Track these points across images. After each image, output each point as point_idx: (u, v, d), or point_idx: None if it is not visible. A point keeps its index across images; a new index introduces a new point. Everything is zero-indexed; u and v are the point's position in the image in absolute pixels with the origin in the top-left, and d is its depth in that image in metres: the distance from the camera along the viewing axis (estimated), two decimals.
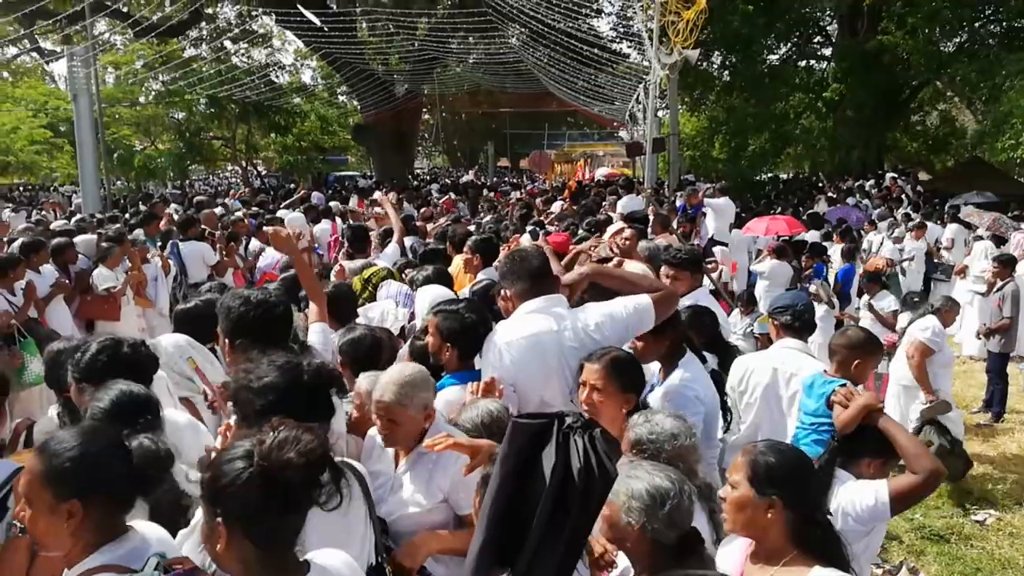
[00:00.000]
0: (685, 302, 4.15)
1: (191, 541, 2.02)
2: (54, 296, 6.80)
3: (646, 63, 16.49)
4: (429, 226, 10.07)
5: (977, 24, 22.86)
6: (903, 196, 18.12)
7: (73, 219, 12.25)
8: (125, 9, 23.70)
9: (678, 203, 12.49)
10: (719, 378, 3.31)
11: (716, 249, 9.83)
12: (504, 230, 8.59)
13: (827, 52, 27.59)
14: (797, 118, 25.83)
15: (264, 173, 37.60)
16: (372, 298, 5.16)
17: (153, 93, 29.32)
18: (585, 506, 1.63)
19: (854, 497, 2.66)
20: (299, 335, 3.28)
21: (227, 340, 2.87)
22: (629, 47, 22.91)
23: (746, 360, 4.01)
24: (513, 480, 1.69)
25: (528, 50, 23.00)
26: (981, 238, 11.86)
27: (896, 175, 22.40)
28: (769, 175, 28.70)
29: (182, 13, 23.84)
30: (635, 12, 17.61)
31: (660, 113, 20.50)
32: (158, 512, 2.07)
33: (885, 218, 14.43)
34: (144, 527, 1.89)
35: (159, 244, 9.07)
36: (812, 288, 8.19)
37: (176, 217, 11.17)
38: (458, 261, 5.86)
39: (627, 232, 5.87)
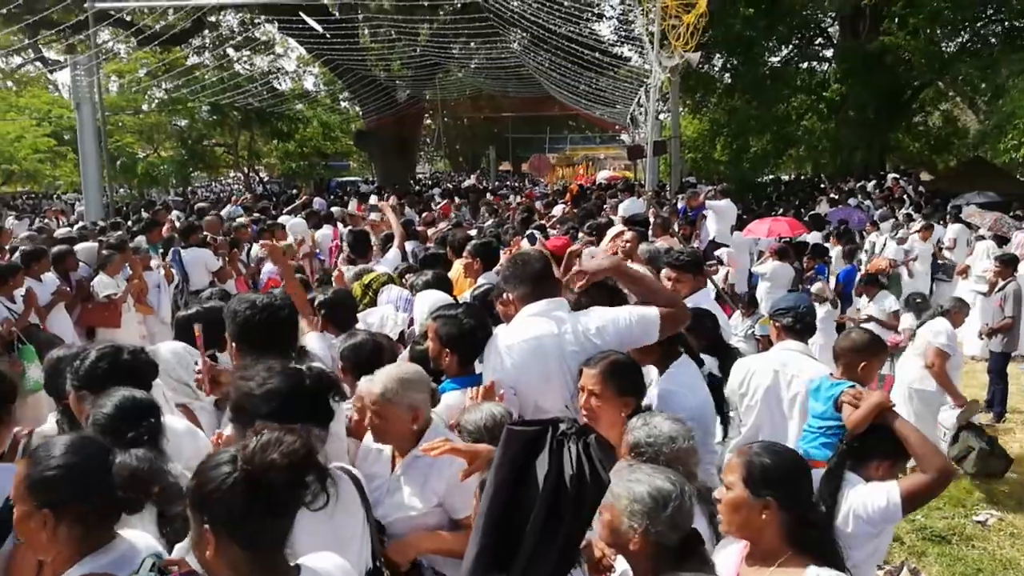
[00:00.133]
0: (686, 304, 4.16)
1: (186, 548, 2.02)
2: (55, 304, 6.81)
3: (647, 66, 16.50)
4: (430, 231, 10.10)
5: (979, 24, 22.86)
6: (905, 197, 18.09)
7: (75, 226, 12.29)
8: (129, 18, 23.78)
9: (679, 205, 12.50)
10: (716, 382, 3.29)
11: (723, 251, 9.84)
12: (505, 234, 8.60)
13: (828, 54, 27.60)
14: (799, 120, 25.84)
15: (266, 179, 37.69)
16: (373, 303, 5.17)
17: (156, 101, 29.39)
18: (578, 512, 1.64)
19: (866, 499, 2.65)
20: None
21: (234, 344, 2.92)
22: (630, 51, 22.97)
23: (747, 362, 4.00)
24: (508, 487, 1.70)
25: (529, 55, 23.04)
26: (983, 238, 11.84)
27: (898, 176, 22.37)
28: (771, 177, 28.68)
29: (185, 22, 23.95)
30: (636, 16, 17.62)
31: (661, 116, 20.55)
32: (166, 520, 2.08)
33: (887, 219, 14.40)
34: (133, 535, 1.90)
35: (161, 251, 9.10)
36: (814, 288, 8.18)
37: (178, 224, 11.20)
38: (458, 266, 5.86)
39: (628, 235, 5.89)
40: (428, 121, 41.22)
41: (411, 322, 4.72)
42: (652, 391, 3.16)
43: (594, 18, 23.22)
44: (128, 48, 29.17)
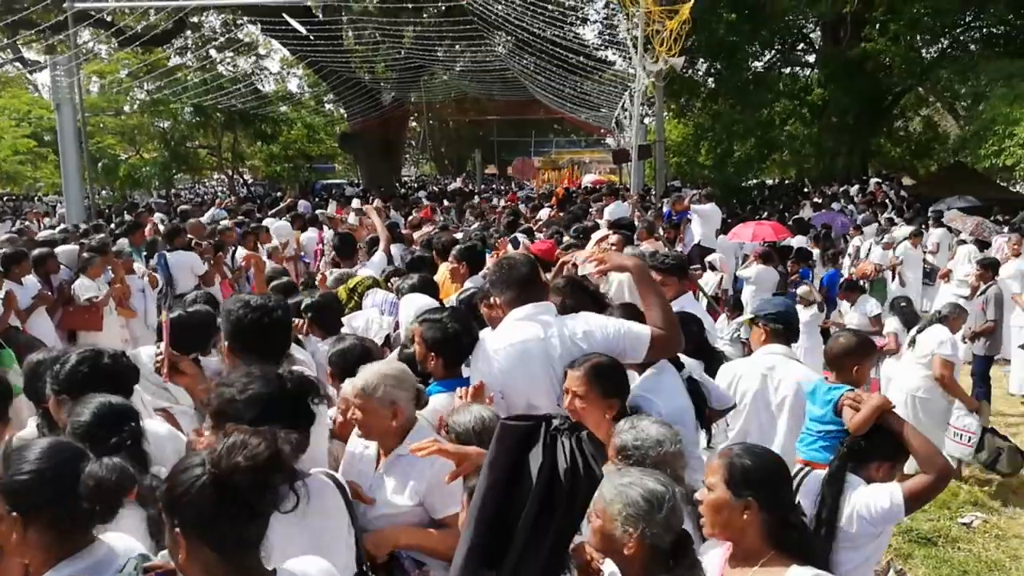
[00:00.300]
0: None
1: None
2: (35, 308, 6.74)
3: (631, 71, 16.57)
4: (416, 234, 10.06)
5: (958, 30, 23.14)
6: (887, 201, 18.26)
7: (58, 228, 12.16)
8: (109, 18, 23.59)
9: (665, 209, 12.55)
10: (696, 387, 3.27)
11: (715, 256, 9.90)
12: (490, 237, 8.59)
13: (811, 59, 27.85)
14: (782, 124, 26.02)
15: (250, 182, 37.49)
16: (358, 307, 5.15)
17: (138, 102, 29.17)
18: (570, 506, 1.63)
19: (869, 500, 2.72)
20: None
21: (226, 344, 2.93)
22: (614, 55, 23.06)
23: (733, 367, 4.01)
24: (501, 485, 1.69)
25: (514, 58, 23.07)
26: (965, 242, 11.96)
27: (880, 180, 22.60)
28: (755, 181, 28.86)
29: (167, 22, 23.78)
30: (620, 21, 17.70)
31: (646, 120, 20.62)
32: (155, 524, 2.07)
33: (870, 223, 14.54)
34: (113, 538, 1.88)
35: (144, 254, 9.01)
36: (801, 291, 8.22)
37: (161, 226, 11.10)
38: (444, 269, 5.84)
39: (613, 238, 5.90)
40: (413, 124, 41.20)
41: (396, 326, 4.70)
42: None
43: (578, 22, 23.32)
44: (109, 49, 28.93)
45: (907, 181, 25.29)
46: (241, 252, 9.52)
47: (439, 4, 24.33)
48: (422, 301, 4.48)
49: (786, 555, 2.12)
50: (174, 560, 1.65)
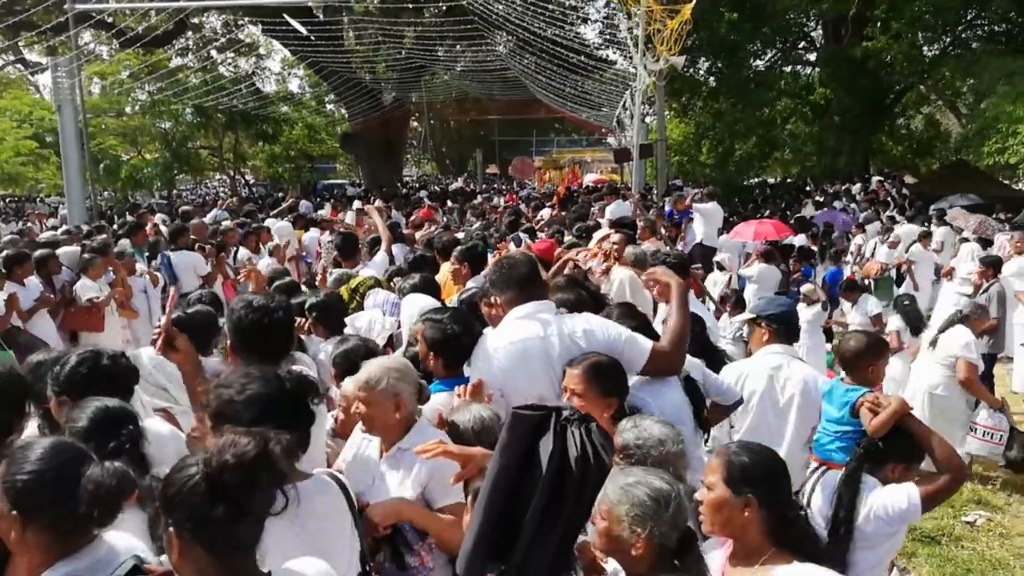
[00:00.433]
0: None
1: None
2: (37, 310, 6.75)
3: (633, 69, 16.55)
4: (418, 234, 10.06)
5: (959, 28, 23.09)
6: (889, 199, 18.23)
7: (60, 229, 12.17)
8: (110, 20, 23.61)
9: (666, 208, 12.54)
10: (694, 386, 3.27)
11: (723, 255, 9.90)
12: (490, 236, 8.59)
13: (812, 58, 27.80)
14: (784, 123, 25.99)
15: (252, 182, 37.48)
16: (360, 308, 5.15)
17: (139, 103, 29.19)
18: (580, 495, 1.62)
19: (887, 500, 2.77)
20: None
21: (230, 343, 2.96)
22: (615, 54, 23.04)
23: (738, 367, 4.00)
24: (512, 472, 1.68)
25: (515, 57, 23.06)
26: (967, 240, 11.94)
27: (882, 178, 22.56)
28: (756, 180, 28.84)
29: (168, 23, 23.80)
30: (620, 20, 17.69)
31: (647, 119, 20.60)
32: (156, 525, 2.05)
33: (871, 221, 14.50)
34: (114, 537, 1.88)
35: (147, 254, 9.01)
36: (805, 289, 8.21)
37: (162, 227, 11.10)
38: (445, 268, 5.84)
39: (615, 236, 5.90)
40: (415, 124, 41.20)
41: (398, 326, 4.70)
42: None
43: (579, 22, 23.30)
44: (110, 50, 28.95)
45: (909, 179, 25.25)
46: (244, 252, 9.54)
47: (440, 4, 24.32)
48: (424, 301, 4.48)
49: (787, 551, 2.12)
50: (170, 560, 1.65)
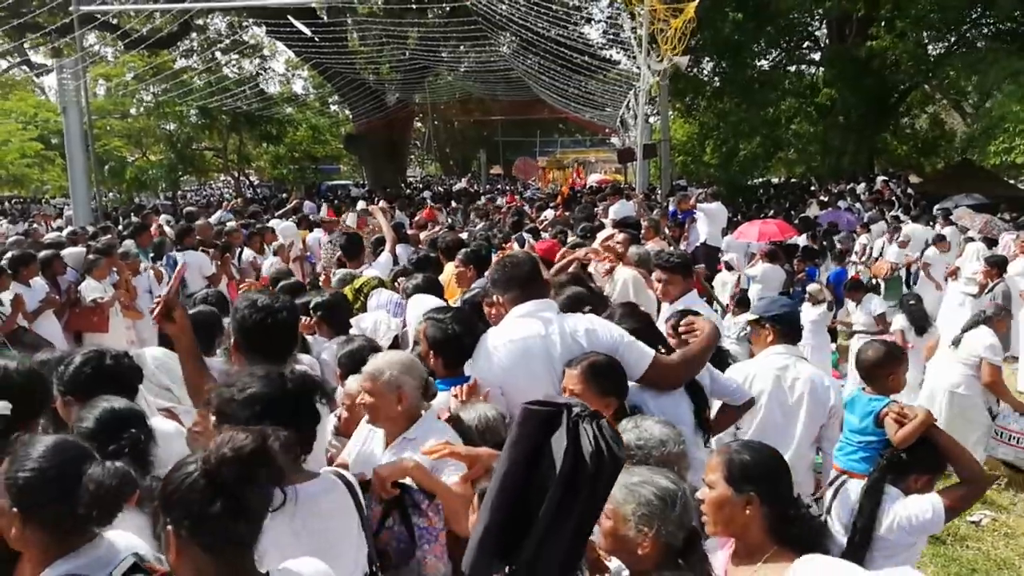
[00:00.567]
0: (676, 306, 4.15)
1: None
2: (43, 310, 6.77)
3: (636, 69, 16.54)
4: (422, 234, 10.07)
5: (964, 27, 23.02)
6: (894, 199, 18.18)
7: (66, 230, 12.20)
8: (115, 21, 23.66)
9: (670, 208, 12.52)
10: (696, 388, 3.26)
11: (731, 255, 9.89)
12: (494, 237, 8.59)
13: (816, 57, 27.73)
14: (788, 123, 25.93)
15: (256, 183, 37.53)
16: (364, 308, 5.16)
17: (144, 105, 29.25)
18: (594, 489, 1.62)
19: (911, 511, 2.83)
20: None
21: (233, 343, 2.96)
22: (619, 54, 23.02)
23: (744, 368, 3.98)
24: (522, 467, 1.67)
25: (518, 58, 23.06)
26: (972, 239, 11.90)
27: (887, 178, 22.49)
28: (761, 179, 28.80)
29: (172, 25, 23.84)
30: (624, 19, 17.68)
31: (651, 119, 20.59)
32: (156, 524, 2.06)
33: (876, 221, 14.47)
34: (115, 535, 1.88)
35: (151, 255, 9.03)
36: (811, 289, 8.19)
37: (166, 228, 11.13)
38: (450, 269, 5.84)
39: (619, 236, 5.90)
40: (418, 124, 41.21)
41: (404, 326, 4.71)
42: None
43: (582, 21, 23.28)
44: (115, 52, 29.01)
45: (914, 179, 25.18)
46: (248, 253, 9.57)
47: (444, 5, 24.33)
48: (429, 302, 4.49)
49: (789, 549, 2.12)
50: (167, 558, 1.65)
